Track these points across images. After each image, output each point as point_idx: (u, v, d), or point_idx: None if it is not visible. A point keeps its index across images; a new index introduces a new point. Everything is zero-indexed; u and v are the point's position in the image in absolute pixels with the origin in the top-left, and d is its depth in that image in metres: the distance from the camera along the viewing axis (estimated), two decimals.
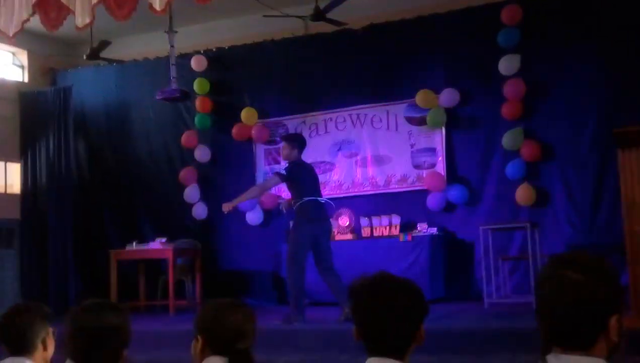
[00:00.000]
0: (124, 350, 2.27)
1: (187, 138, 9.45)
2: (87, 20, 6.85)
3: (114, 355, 2.23)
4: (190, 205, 9.39)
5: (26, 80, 10.26)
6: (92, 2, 6.72)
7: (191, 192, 9.41)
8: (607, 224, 7.42)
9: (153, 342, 5.92)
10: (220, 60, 9.59)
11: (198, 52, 9.54)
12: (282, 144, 7.24)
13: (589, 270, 1.57)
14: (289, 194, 7.01)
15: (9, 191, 9.87)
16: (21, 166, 9.82)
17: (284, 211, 7.32)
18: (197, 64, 9.44)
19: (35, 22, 7.32)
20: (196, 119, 9.49)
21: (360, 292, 1.93)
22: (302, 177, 6.82)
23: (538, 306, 1.63)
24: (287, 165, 6.88)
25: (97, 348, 2.19)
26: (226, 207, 6.91)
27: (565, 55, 7.78)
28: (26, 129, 9.87)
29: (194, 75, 9.45)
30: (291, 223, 7.02)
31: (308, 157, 8.99)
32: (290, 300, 6.68)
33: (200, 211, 9.37)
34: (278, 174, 6.90)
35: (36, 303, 2.85)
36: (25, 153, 9.82)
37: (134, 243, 8.59)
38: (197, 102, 9.43)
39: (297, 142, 6.99)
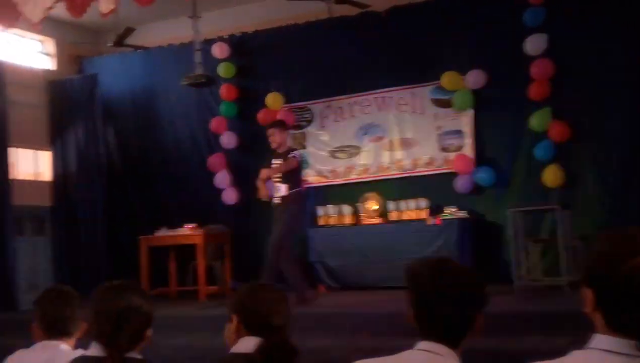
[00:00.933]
0: (147, 330, 2.28)
1: (215, 124, 9.49)
2: (112, 6, 6.86)
3: (136, 335, 2.24)
4: (220, 191, 9.44)
5: (54, 68, 10.35)
6: None
7: (221, 178, 9.45)
8: (638, 205, 7.33)
9: (184, 328, 5.98)
10: (245, 46, 9.58)
11: (222, 38, 9.55)
12: (271, 131, 7.17)
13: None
14: (284, 178, 6.97)
15: (40, 178, 10.01)
16: (52, 154, 9.93)
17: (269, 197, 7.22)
18: (219, 51, 9.44)
19: (62, 10, 7.37)
20: (222, 107, 9.51)
21: (420, 275, 1.90)
22: (302, 169, 7.11)
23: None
24: (296, 152, 7.05)
25: (119, 329, 2.20)
26: (264, 173, 7.06)
27: (593, 33, 7.65)
28: (55, 116, 9.98)
29: (218, 60, 9.46)
30: (286, 207, 6.94)
31: (335, 141, 9.04)
32: (295, 282, 6.83)
33: (230, 196, 9.41)
34: (295, 158, 6.97)
35: (71, 287, 2.88)
36: (55, 141, 9.93)
37: (164, 229, 8.65)
38: (222, 90, 9.45)
39: (285, 126, 7.20)
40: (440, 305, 1.84)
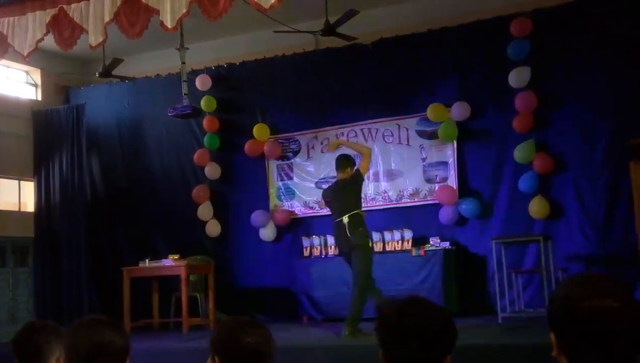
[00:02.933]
0: None
1: (199, 156, 9.50)
2: (100, 39, 6.92)
3: None
4: (204, 223, 9.41)
5: (39, 98, 10.35)
6: (105, 21, 6.80)
7: (204, 210, 9.43)
8: (621, 236, 7.38)
9: (167, 361, 5.91)
10: (231, 76, 9.63)
11: (209, 69, 9.60)
12: (340, 167, 6.81)
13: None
14: (353, 200, 6.64)
15: (23, 209, 9.94)
16: (35, 184, 9.88)
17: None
18: (202, 83, 9.46)
19: (49, 41, 7.41)
20: (205, 139, 9.53)
21: (388, 316, 1.88)
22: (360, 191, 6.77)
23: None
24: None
25: None
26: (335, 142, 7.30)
27: (576, 66, 7.77)
28: (40, 147, 9.95)
29: (202, 92, 9.50)
30: (354, 234, 6.47)
31: (320, 172, 9.06)
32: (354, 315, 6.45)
33: (213, 228, 9.39)
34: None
35: (52, 322, 2.86)
36: (39, 171, 9.88)
37: (147, 260, 8.60)
38: (205, 122, 9.46)
39: (352, 161, 6.87)
40: (407, 346, 1.82)
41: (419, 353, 1.81)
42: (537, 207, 7.75)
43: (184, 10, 6.44)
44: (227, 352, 2.21)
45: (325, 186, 8.98)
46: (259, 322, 2.32)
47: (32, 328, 2.76)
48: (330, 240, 8.61)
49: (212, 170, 9.49)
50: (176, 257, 8.41)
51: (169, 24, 6.46)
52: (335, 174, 8.81)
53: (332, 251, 8.59)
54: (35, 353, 2.66)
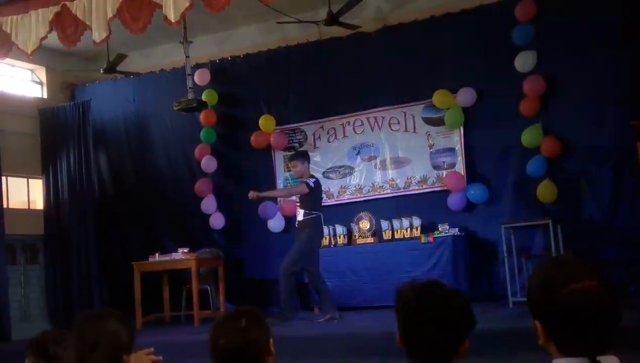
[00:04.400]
0: (124, 356, 2.24)
1: (200, 149, 9.52)
2: (104, 35, 6.94)
3: (111, 361, 2.20)
4: (209, 216, 9.44)
5: (45, 96, 10.37)
6: (108, 17, 6.81)
7: (207, 203, 9.45)
8: (630, 217, 7.36)
9: (179, 353, 5.94)
10: (235, 69, 9.62)
11: (214, 62, 9.59)
12: (293, 163, 7.58)
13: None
14: (301, 203, 7.32)
15: (32, 207, 9.98)
16: (43, 182, 9.91)
17: (253, 199, 7.58)
18: (201, 78, 9.43)
19: (52, 39, 7.42)
20: (202, 133, 9.53)
21: (408, 298, 1.90)
22: (320, 194, 7.40)
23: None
24: (313, 178, 7.30)
25: (92, 352, 2.17)
26: (252, 194, 7.39)
27: (581, 50, 7.71)
28: (47, 144, 9.97)
29: (203, 86, 9.48)
30: (302, 232, 7.26)
31: (328, 162, 9.06)
32: (284, 300, 7.15)
33: (217, 221, 9.41)
34: (306, 184, 7.21)
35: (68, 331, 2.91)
36: (47, 168, 9.91)
37: (157, 255, 8.63)
38: (203, 115, 9.44)
39: (306, 157, 7.50)
40: (426, 328, 1.84)
41: (436, 336, 1.82)
42: (545, 191, 7.72)
43: (187, 4, 6.44)
44: (220, 351, 2.15)
45: (332, 176, 9.03)
46: (254, 313, 2.22)
47: (49, 335, 2.82)
48: (339, 229, 8.63)
49: (213, 164, 9.49)
50: (185, 250, 8.46)
51: (172, 18, 6.47)
52: (342, 164, 8.95)
53: (341, 240, 8.59)
54: (52, 358, 2.71)
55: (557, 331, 1.61)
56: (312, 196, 7.19)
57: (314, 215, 7.15)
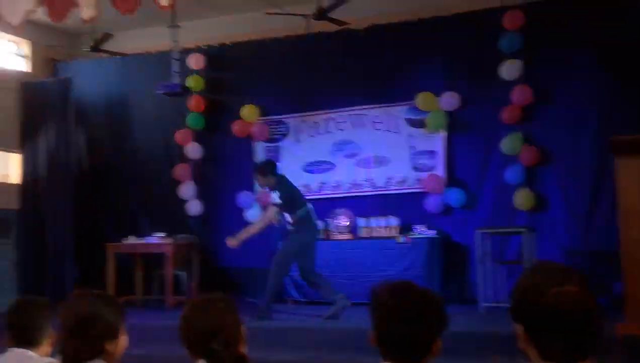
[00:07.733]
0: (110, 340, 2.23)
1: (181, 135, 9.47)
2: (93, 13, 6.87)
3: (96, 344, 2.19)
4: (186, 202, 9.41)
5: (28, 70, 10.25)
6: None
7: (185, 189, 9.42)
8: (604, 230, 7.45)
9: (149, 336, 5.92)
10: (222, 57, 9.59)
11: (200, 48, 9.54)
12: (255, 176, 7.54)
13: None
14: (283, 210, 7.16)
15: (8, 181, 9.87)
16: (22, 156, 9.81)
17: (234, 246, 7.34)
18: (195, 62, 9.41)
19: (39, 13, 7.33)
20: (189, 118, 9.48)
21: (382, 298, 1.93)
22: (293, 190, 7.23)
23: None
24: (278, 193, 7.07)
25: (77, 336, 2.16)
26: (231, 242, 7.22)
27: (567, 61, 7.80)
28: (26, 119, 9.84)
29: (193, 71, 9.44)
30: (295, 232, 7.16)
31: (309, 156, 9.06)
32: (267, 297, 7.01)
33: (194, 208, 9.39)
34: (275, 205, 7.11)
35: (44, 298, 2.89)
36: (25, 143, 9.79)
37: (130, 237, 8.60)
38: (191, 101, 9.41)
39: (269, 168, 7.26)
40: (400, 327, 1.87)
41: (410, 335, 1.85)
42: (522, 199, 7.81)
43: None
44: (182, 338, 2.22)
45: (313, 170, 9.03)
46: (227, 300, 2.25)
47: (27, 303, 2.78)
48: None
49: (195, 150, 9.46)
50: (162, 235, 8.43)
51: (164, 1, 6.42)
52: (323, 159, 8.93)
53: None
54: (28, 328, 2.69)
55: (539, 334, 1.64)
56: (286, 202, 7.08)
57: (300, 214, 7.06)
